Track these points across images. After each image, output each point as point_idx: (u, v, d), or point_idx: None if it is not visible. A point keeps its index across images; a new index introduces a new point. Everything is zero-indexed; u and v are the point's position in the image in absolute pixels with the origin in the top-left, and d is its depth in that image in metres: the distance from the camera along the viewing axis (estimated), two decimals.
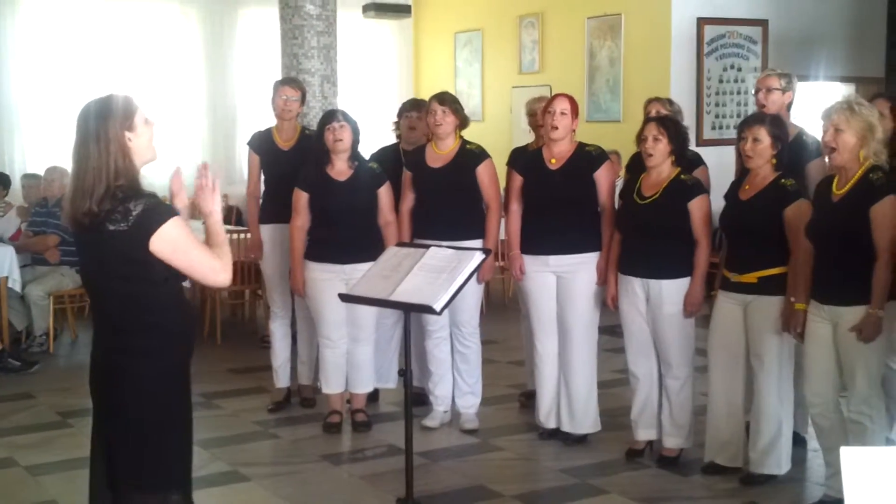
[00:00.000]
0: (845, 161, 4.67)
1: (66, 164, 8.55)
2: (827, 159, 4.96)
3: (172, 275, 3.40)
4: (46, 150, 11.44)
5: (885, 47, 11.43)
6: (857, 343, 4.62)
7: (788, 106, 5.92)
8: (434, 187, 6.15)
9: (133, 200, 3.26)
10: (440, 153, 6.17)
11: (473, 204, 6.20)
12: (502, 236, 6.21)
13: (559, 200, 5.80)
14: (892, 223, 4.56)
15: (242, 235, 8.33)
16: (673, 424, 5.56)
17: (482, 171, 6.14)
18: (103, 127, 3.29)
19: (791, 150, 5.32)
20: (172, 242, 3.30)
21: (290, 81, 6.97)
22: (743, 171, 5.61)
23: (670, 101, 6.33)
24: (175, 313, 3.47)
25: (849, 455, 2.34)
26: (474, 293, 6.20)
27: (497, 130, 11.99)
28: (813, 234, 4.79)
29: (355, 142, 6.12)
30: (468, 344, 6.32)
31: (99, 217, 3.26)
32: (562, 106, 5.77)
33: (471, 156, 6.16)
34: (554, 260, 5.82)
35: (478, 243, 5.99)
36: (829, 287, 4.73)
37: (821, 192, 4.87)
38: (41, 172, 9.18)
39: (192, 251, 3.36)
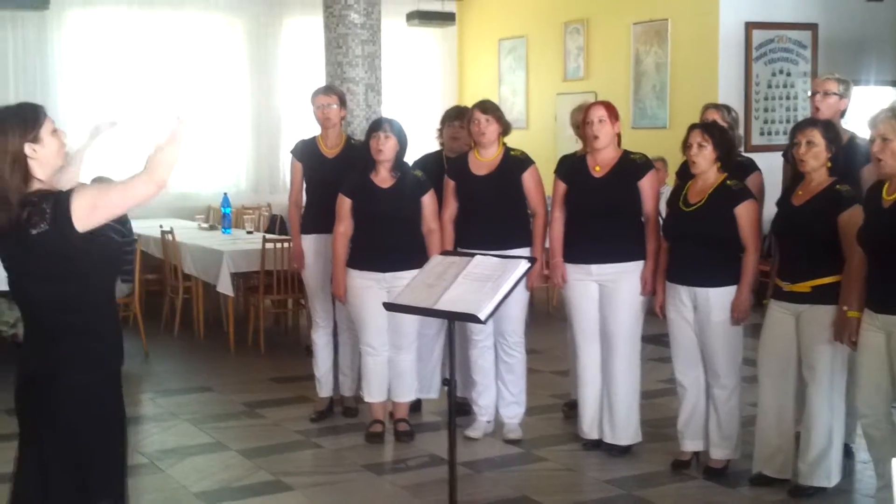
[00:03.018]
0: (895, 169, 4.57)
1: (112, 174, 8.58)
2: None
3: (101, 260, 3.41)
4: (94, 161, 11.49)
5: None
6: None
7: (842, 113, 5.80)
8: (480, 195, 6.10)
9: (45, 201, 3.29)
10: (484, 161, 6.13)
11: (519, 211, 6.16)
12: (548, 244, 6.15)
13: (603, 209, 5.74)
14: None
15: (285, 245, 8.32)
16: (720, 435, 5.47)
17: (528, 177, 6.09)
18: (3, 141, 3.29)
19: (845, 154, 5.23)
20: (88, 202, 3.29)
21: (324, 89, 6.84)
22: (793, 178, 5.51)
23: (728, 109, 6.19)
24: (106, 316, 3.48)
25: None
26: (520, 302, 6.13)
27: (541, 138, 11.93)
28: (864, 240, 4.69)
29: (400, 152, 6.09)
30: (513, 353, 6.26)
31: (21, 224, 3.27)
32: (598, 114, 5.71)
33: (516, 162, 6.11)
34: (596, 269, 5.76)
35: (524, 251, 5.92)
36: (882, 295, 4.62)
37: (871, 197, 4.77)
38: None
39: (108, 191, 3.36)
